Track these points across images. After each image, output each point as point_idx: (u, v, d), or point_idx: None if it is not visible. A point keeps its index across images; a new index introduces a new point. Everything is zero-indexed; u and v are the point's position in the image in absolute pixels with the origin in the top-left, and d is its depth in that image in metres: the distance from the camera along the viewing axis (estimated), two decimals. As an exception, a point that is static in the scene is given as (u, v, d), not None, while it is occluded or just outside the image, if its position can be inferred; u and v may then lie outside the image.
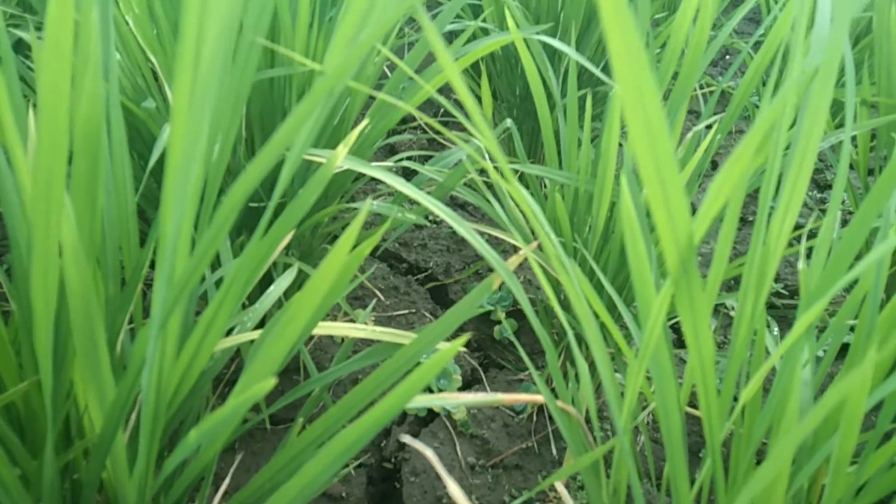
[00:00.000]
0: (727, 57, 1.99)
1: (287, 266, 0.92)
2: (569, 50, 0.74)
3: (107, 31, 0.48)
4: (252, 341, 0.63)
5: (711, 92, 1.64)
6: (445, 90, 1.66)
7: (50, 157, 0.31)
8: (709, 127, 0.92)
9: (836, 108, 1.29)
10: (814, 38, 0.59)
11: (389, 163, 1.01)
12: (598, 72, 0.85)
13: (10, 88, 0.41)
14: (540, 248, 0.84)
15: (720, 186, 0.31)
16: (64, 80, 0.29)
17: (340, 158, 0.57)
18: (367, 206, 0.43)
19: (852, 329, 0.96)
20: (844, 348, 1.11)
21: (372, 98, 0.95)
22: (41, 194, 0.32)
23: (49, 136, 0.30)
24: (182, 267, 0.37)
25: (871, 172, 1.41)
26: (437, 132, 1.50)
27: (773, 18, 0.85)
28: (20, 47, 1.00)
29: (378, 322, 1.09)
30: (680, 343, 1.13)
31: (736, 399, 0.54)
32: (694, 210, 1.50)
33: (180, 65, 0.30)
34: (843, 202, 1.44)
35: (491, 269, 1.27)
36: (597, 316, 0.55)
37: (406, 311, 1.11)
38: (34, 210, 0.32)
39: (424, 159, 1.40)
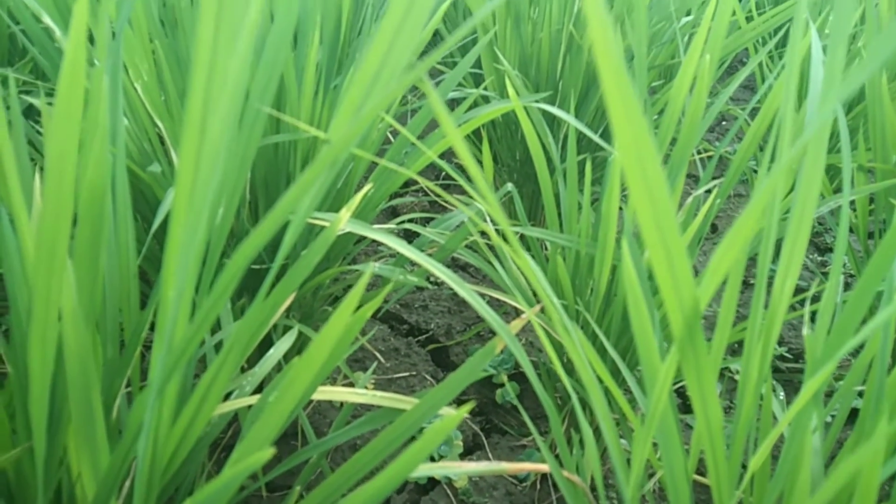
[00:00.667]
0: (723, 123, 2.03)
1: (287, 328, 0.92)
2: (568, 117, 0.75)
3: (116, 98, 0.49)
4: (250, 406, 0.62)
5: (710, 157, 1.66)
6: (447, 154, 1.69)
7: (54, 222, 0.31)
8: (708, 191, 0.93)
9: (834, 172, 1.30)
10: (808, 108, 0.61)
11: (392, 225, 1.02)
12: (596, 138, 0.86)
13: (17, 153, 0.41)
14: (542, 310, 0.83)
15: (722, 256, 0.31)
16: (71, 147, 0.30)
17: (343, 222, 0.57)
18: (370, 270, 0.43)
19: (860, 394, 0.94)
20: (853, 413, 1.09)
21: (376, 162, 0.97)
22: (43, 259, 0.32)
23: (54, 201, 0.31)
24: (182, 333, 0.37)
25: (870, 236, 1.42)
26: (439, 195, 1.52)
27: (769, 87, 0.87)
28: (30, 112, 1.02)
29: (378, 385, 1.08)
30: (685, 408, 1.11)
31: (744, 466, 0.52)
32: (696, 272, 1.50)
33: (186, 134, 0.30)
34: (843, 265, 1.44)
35: (492, 331, 1.26)
36: (600, 381, 0.54)
37: (406, 374, 1.10)
38: (36, 274, 0.32)
39: (426, 221, 1.41)
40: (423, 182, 0.67)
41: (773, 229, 0.51)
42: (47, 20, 0.67)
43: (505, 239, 1.35)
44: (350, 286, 1.16)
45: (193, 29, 0.79)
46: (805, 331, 0.50)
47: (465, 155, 0.37)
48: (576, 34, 1.14)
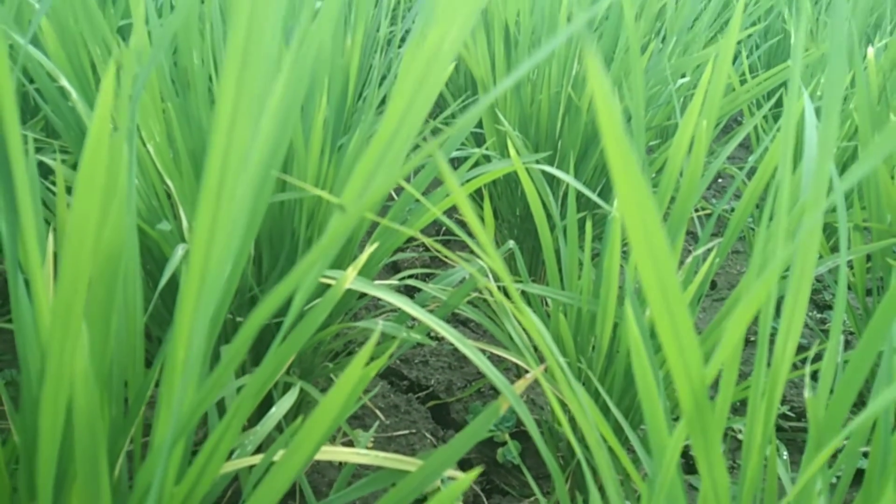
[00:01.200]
0: (720, 181, 2.06)
1: (287, 384, 0.91)
2: (568, 178, 0.77)
3: (130, 160, 0.50)
4: (252, 466, 0.61)
5: (708, 215, 1.68)
6: (448, 210, 1.71)
7: (72, 286, 0.32)
8: (708, 249, 0.94)
9: (831, 230, 1.32)
10: (804, 170, 0.62)
11: (394, 280, 1.02)
12: (595, 197, 0.88)
13: (35, 216, 0.42)
14: (545, 369, 0.83)
15: (730, 339, 0.32)
16: (93, 216, 0.31)
17: (349, 281, 0.58)
18: (377, 333, 0.43)
19: (865, 454, 0.94)
20: (859, 473, 1.08)
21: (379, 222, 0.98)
22: (59, 322, 0.32)
23: (73, 266, 0.31)
24: (191, 399, 0.37)
25: (869, 293, 1.43)
26: (440, 250, 1.53)
27: (765, 149, 0.89)
28: (41, 169, 1.04)
29: (378, 443, 1.07)
30: (688, 467, 1.10)
31: (751, 532, 0.52)
32: (697, 329, 1.50)
33: (202, 209, 0.31)
34: (843, 322, 1.45)
35: (493, 387, 1.25)
36: (605, 440, 0.54)
37: (406, 432, 1.09)
38: (51, 338, 0.33)
39: (428, 276, 1.42)
40: (425, 239, 0.68)
41: (773, 290, 0.52)
42: (64, 82, 0.69)
43: (507, 295, 1.35)
44: (351, 341, 1.16)
45: (205, 89, 0.82)
46: (807, 393, 0.50)
47: (469, 214, 0.38)
48: (574, 96, 1.17)
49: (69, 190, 0.83)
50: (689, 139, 0.78)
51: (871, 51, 1.02)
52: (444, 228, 1.68)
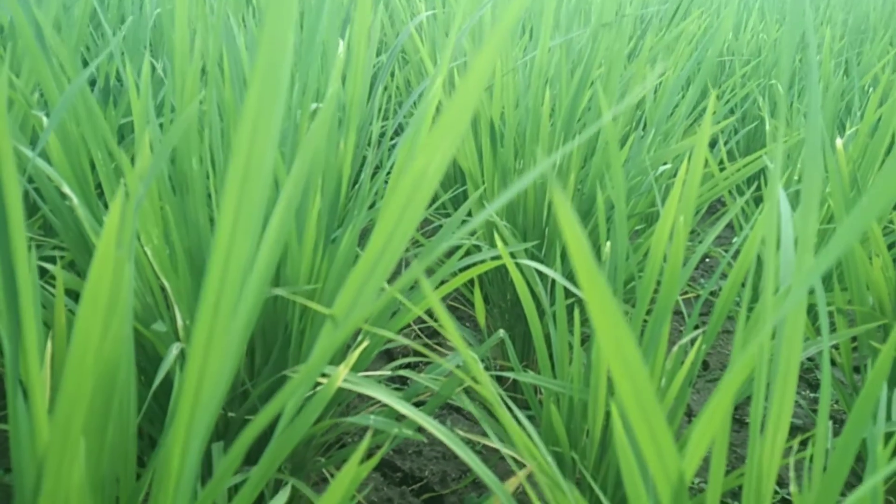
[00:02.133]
0: (707, 260, 2.09)
1: (278, 481, 0.90)
2: (554, 274, 0.79)
3: (130, 271, 0.52)
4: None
5: (697, 297, 1.71)
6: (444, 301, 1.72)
7: (72, 404, 0.33)
8: (697, 327, 0.96)
9: (816, 313, 1.34)
10: (781, 257, 0.65)
11: (387, 371, 1.03)
12: (579, 291, 0.90)
13: (36, 325, 0.44)
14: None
15: (704, 430, 0.33)
16: (96, 332, 0.32)
17: (340, 380, 0.59)
18: (370, 433, 0.44)
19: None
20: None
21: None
22: (58, 439, 0.33)
23: (74, 385, 0.33)
24: (185, 509, 0.38)
25: (856, 370, 1.44)
26: (433, 335, 1.54)
27: (745, 237, 0.92)
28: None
29: (372, 538, 1.04)
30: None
31: None
32: (691, 411, 1.50)
33: (197, 329, 0.33)
34: (835, 402, 1.45)
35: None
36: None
37: (401, 526, 1.07)
38: (49, 453, 0.34)
39: (422, 363, 1.42)
40: (410, 344, 0.70)
41: (763, 374, 0.53)
42: (66, 189, 0.72)
43: (503, 383, 1.35)
44: (345, 433, 1.15)
45: (202, 189, 0.85)
46: (792, 487, 0.50)
47: (445, 320, 0.40)
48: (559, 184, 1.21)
49: (67, 292, 0.85)
50: (670, 228, 0.81)
51: (839, 142, 1.07)
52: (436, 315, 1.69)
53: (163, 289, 0.85)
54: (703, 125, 0.69)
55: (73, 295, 1.00)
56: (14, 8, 0.77)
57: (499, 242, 0.85)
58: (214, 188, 0.89)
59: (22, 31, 0.77)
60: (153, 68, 1.55)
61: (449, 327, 0.34)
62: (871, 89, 2.08)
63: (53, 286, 0.92)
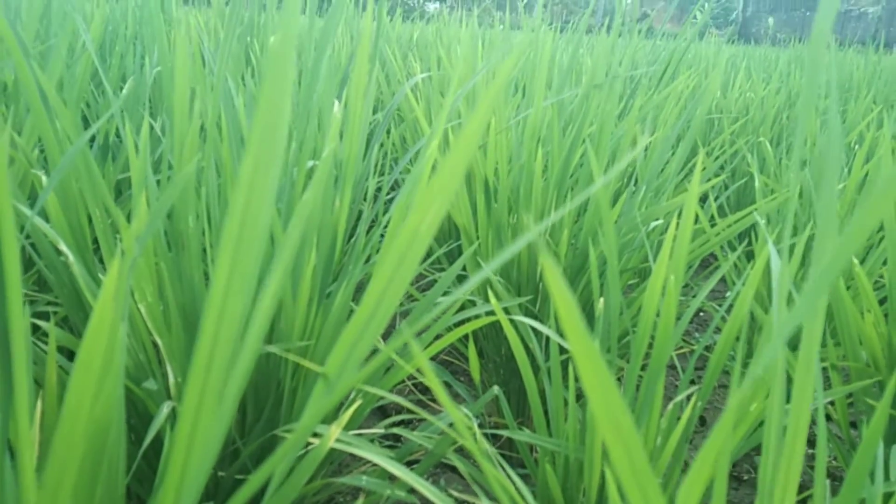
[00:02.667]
0: (701, 314, 2.10)
1: (270, 543, 0.88)
2: (548, 331, 0.79)
3: (123, 327, 0.52)
4: None
5: (691, 351, 1.70)
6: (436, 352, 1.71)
7: (61, 471, 0.33)
8: (693, 381, 0.95)
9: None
10: (773, 315, 0.65)
11: (380, 429, 1.02)
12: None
13: (28, 386, 0.44)
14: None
15: (692, 486, 0.33)
16: (88, 396, 0.32)
17: (332, 440, 0.59)
18: (361, 500, 0.43)
19: None
20: None
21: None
22: (47, 502, 0.33)
23: (63, 451, 0.32)
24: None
25: (853, 425, 1.42)
26: (427, 390, 1.52)
27: (737, 293, 0.92)
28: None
29: None
30: None
31: None
32: (686, 466, 1.47)
33: (189, 395, 0.33)
34: (833, 459, 1.44)
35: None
36: None
37: (394, 590, 1.04)
38: (35, 518, 0.33)
39: (416, 420, 1.40)
40: (402, 402, 0.69)
41: (773, 430, 0.53)
42: (63, 247, 0.72)
43: (497, 440, 1.34)
44: (337, 492, 1.13)
45: (198, 246, 0.85)
46: (793, 552, 0.50)
47: (435, 385, 0.40)
48: (552, 242, 1.22)
49: (59, 349, 0.84)
50: (662, 284, 0.82)
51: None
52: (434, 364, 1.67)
53: (155, 346, 0.85)
54: (693, 183, 0.70)
55: (65, 351, 0.99)
56: (20, 66, 0.79)
57: (493, 299, 0.85)
58: (210, 244, 0.89)
59: (26, 89, 0.78)
60: (150, 126, 1.58)
61: (439, 392, 0.34)
62: (856, 146, 2.13)
63: (45, 342, 0.92)
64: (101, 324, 0.33)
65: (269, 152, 0.38)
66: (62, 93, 1.16)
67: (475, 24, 1.95)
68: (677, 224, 0.77)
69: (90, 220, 0.86)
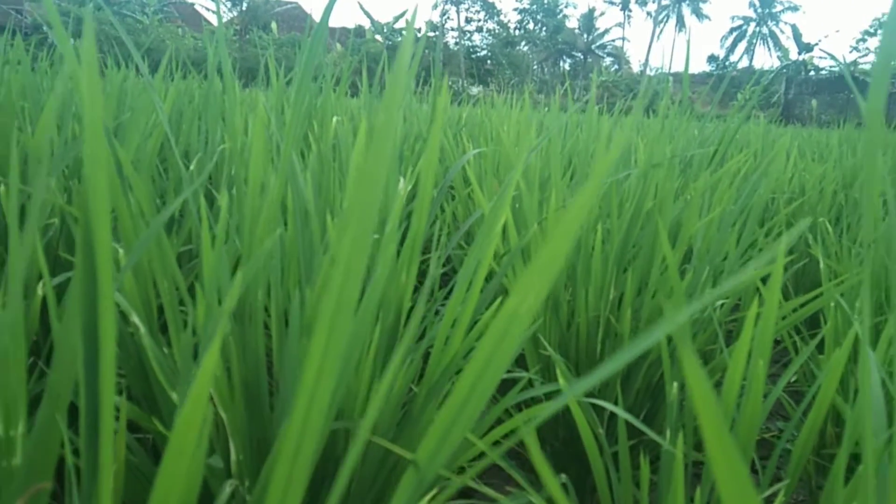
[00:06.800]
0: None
1: None
2: (620, 412, 0.76)
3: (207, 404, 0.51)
4: None
5: (762, 439, 1.62)
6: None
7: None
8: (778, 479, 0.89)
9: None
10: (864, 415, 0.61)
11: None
12: (642, 425, 0.86)
13: (111, 465, 0.42)
14: None
15: None
16: (179, 483, 0.31)
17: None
18: None
19: None
20: None
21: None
22: None
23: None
24: None
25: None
26: (480, 473, 1.47)
27: (818, 386, 0.88)
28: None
29: None
30: None
31: None
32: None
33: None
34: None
35: None
36: None
37: None
38: None
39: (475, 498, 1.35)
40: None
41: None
42: (135, 320, 0.73)
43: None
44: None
45: (260, 321, 0.85)
46: None
47: (544, 470, 0.38)
48: (613, 321, 1.19)
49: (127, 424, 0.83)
50: (743, 372, 0.78)
51: None
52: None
53: (217, 423, 0.84)
54: (777, 265, 0.68)
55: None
56: (99, 143, 0.82)
57: (560, 380, 0.83)
58: (275, 318, 0.89)
59: (103, 166, 0.81)
60: (210, 201, 1.62)
61: (551, 483, 0.32)
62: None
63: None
64: (195, 409, 0.32)
65: (363, 231, 0.37)
66: (137, 169, 1.21)
67: (528, 104, 1.99)
68: (759, 303, 0.74)
69: (157, 292, 0.87)
